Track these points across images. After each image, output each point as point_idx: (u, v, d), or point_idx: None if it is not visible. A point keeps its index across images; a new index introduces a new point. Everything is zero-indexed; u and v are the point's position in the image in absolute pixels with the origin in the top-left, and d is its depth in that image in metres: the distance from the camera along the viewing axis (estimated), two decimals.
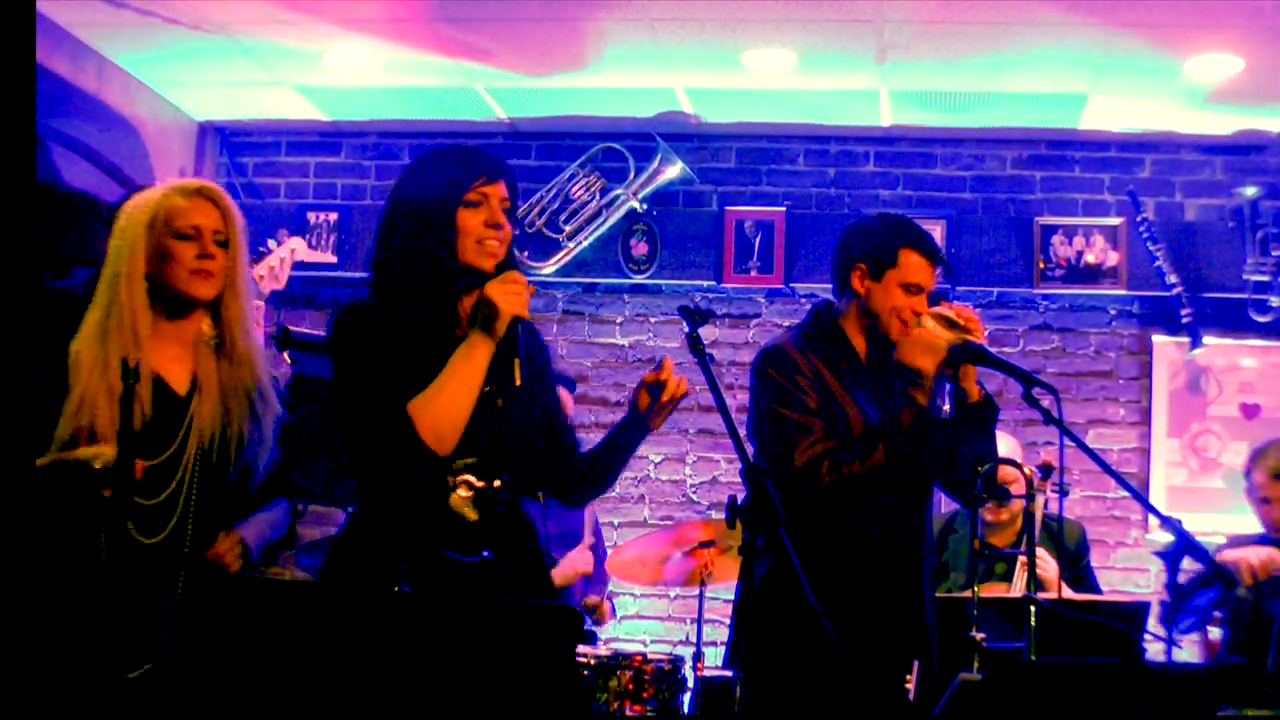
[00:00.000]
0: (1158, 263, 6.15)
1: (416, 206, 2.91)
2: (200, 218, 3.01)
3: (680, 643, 6.15)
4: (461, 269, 2.90)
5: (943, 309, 3.53)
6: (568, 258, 6.48)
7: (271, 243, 5.14)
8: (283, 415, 3.12)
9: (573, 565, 5.31)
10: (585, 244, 6.49)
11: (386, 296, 2.92)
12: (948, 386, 3.59)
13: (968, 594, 3.66)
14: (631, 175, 6.49)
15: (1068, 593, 4.81)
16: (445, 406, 2.79)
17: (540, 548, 3.08)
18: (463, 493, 2.86)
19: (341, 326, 2.89)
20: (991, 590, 4.56)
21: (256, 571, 3.10)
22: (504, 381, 2.87)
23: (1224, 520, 5.74)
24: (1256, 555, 4.77)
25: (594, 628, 5.33)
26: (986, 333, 3.66)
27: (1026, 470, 3.92)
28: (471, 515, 2.87)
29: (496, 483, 2.89)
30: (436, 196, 2.90)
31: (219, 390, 3.02)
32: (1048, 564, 4.53)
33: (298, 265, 6.40)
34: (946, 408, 3.62)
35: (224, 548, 2.99)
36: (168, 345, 3.02)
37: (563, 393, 5.34)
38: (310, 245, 6.58)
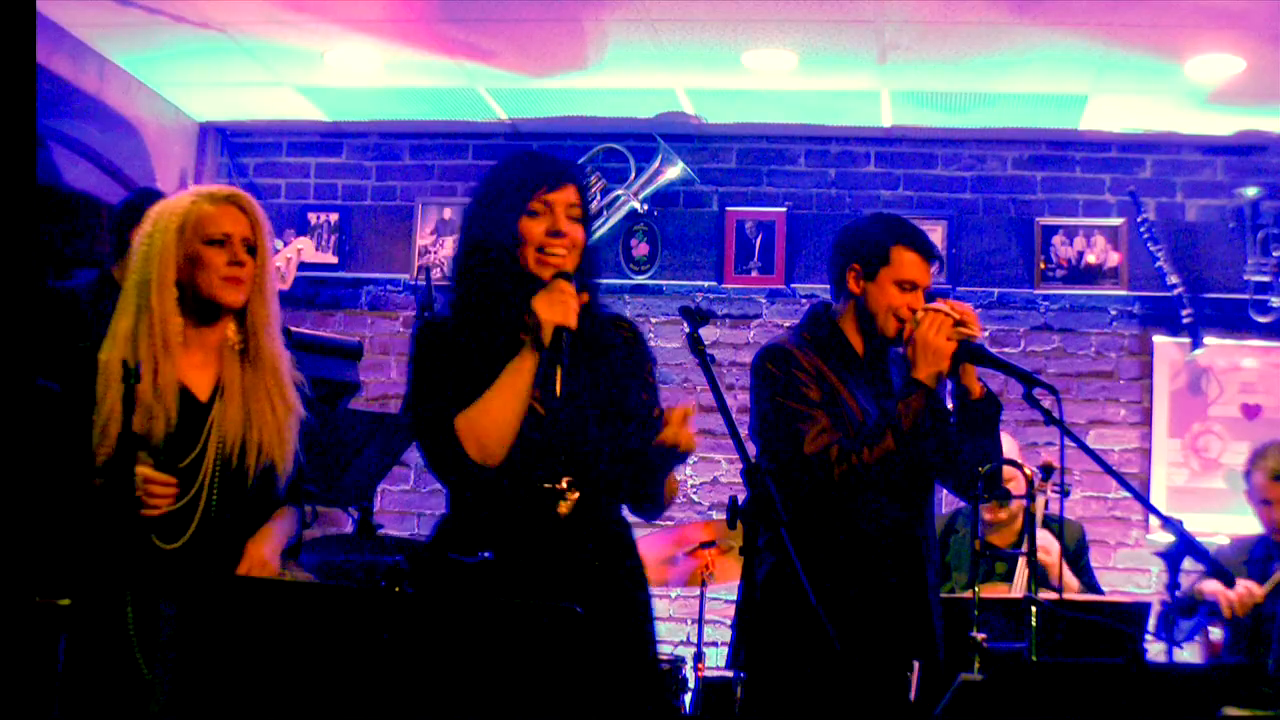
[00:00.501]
0: (1158, 263, 6.15)
1: (483, 217, 2.94)
2: (230, 224, 3.03)
3: (681, 643, 6.15)
4: (526, 279, 2.90)
5: (939, 304, 3.52)
6: None
7: (278, 243, 5.15)
8: (307, 419, 3.12)
9: None
10: None
11: (460, 308, 2.95)
12: (949, 384, 3.58)
13: (969, 594, 3.66)
14: (632, 176, 6.49)
15: (1070, 580, 4.81)
16: (489, 419, 2.80)
17: (632, 558, 3.00)
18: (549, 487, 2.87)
19: (415, 342, 2.94)
20: (993, 590, 4.55)
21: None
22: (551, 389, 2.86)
23: (1225, 520, 5.74)
24: (1235, 592, 4.78)
25: None
26: (986, 333, 3.66)
27: (1027, 470, 3.92)
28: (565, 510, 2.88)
29: (569, 482, 2.88)
30: (500, 207, 2.93)
31: (242, 396, 3.02)
32: (1050, 549, 4.51)
33: (301, 266, 6.42)
34: (950, 406, 3.62)
35: (247, 569, 2.97)
36: (193, 352, 3.03)
37: None
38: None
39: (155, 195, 4.91)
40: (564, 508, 2.87)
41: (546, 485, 2.86)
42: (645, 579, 3.04)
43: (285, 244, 5.31)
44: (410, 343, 2.97)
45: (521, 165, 3.01)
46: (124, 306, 3.01)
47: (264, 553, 3.00)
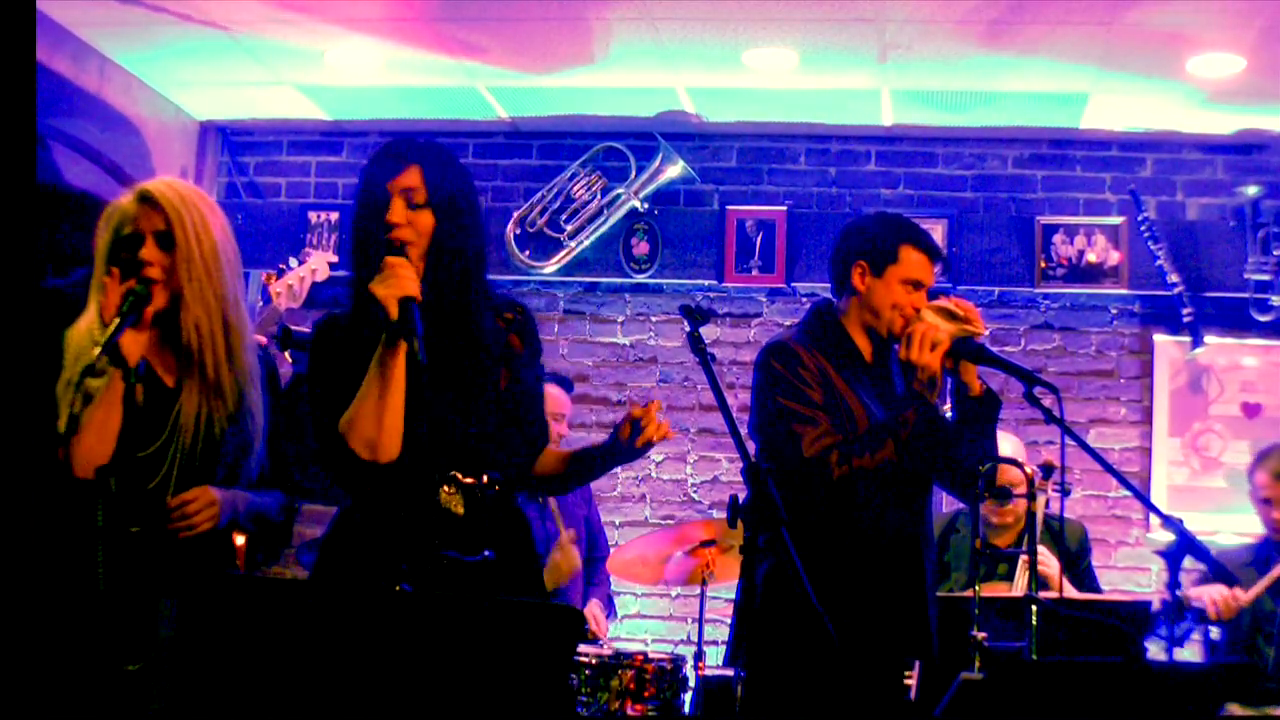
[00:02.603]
0: (1159, 262, 6.15)
1: (356, 213, 2.92)
2: (142, 221, 2.99)
3: (681, 642, 6.15)
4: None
5: (942, 301, 3.53)
6: (569, 257, 6.48)
7: (293, 260, 5.12)
8: (266, 423, 3.10)
9: (558, 567, 5.18)
10: (586, 243, 6.49)
11: (354, 302, 2.92)
12: (949, 383, 3.58)
13: (969, 593, 3.66)
14: (633, 174, 6.49)
15: (1070, 591, 4.81)
16: (367, 416, 2.78)
17: (533, 544, 3.06)
18: (448, 489, 2.85)
19: (310, 340, 2.94)
20: (993, 590, 4.55)
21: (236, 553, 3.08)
22: (439, 372, 2.82)
23: (1225, 519, 5.74)
24: (1219, 593, 4.79)
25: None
26: (987, 331, 3.66)
27: (1028, 470, 3.92)
28: (459, 510, 2.86)
29: (485, 478, 2.88)
30: (364, 201, 2.90)
31: (202, 391, 3.01)
32: (1050, 562, 4.53)
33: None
34: (947, 408, 3.62)
35: (193, 497, 2.94)
36: (151, 339, 3.00)
37: (559, 392, 5.34)
38: (311, 244, 6.58)
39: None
40: (458, 508, 2.86)
41: (447, 491, 2.85)
42: (540, 569, 3.08)
43: (301, 261, 5.25)
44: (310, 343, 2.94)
45: (380, 152, 2.95)
46: (89, 300, 3.02)
47: (212, 492, 2.96)
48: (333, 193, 6.83)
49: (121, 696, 2.83)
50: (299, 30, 5.60)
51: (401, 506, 2.83)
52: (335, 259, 6.43)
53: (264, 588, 2.54)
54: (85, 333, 2.95)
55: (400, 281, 2.76)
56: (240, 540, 3.12)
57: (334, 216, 6.69)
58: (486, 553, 2.86)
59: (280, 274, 4.88)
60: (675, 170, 6.43)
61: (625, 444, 2.97)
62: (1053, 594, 3.95)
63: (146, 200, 3.01)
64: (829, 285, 3.73)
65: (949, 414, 3.61)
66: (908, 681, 3.73)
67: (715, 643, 5.50)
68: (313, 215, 6.71)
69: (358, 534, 2.89)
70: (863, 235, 3.64)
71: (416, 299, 2.76)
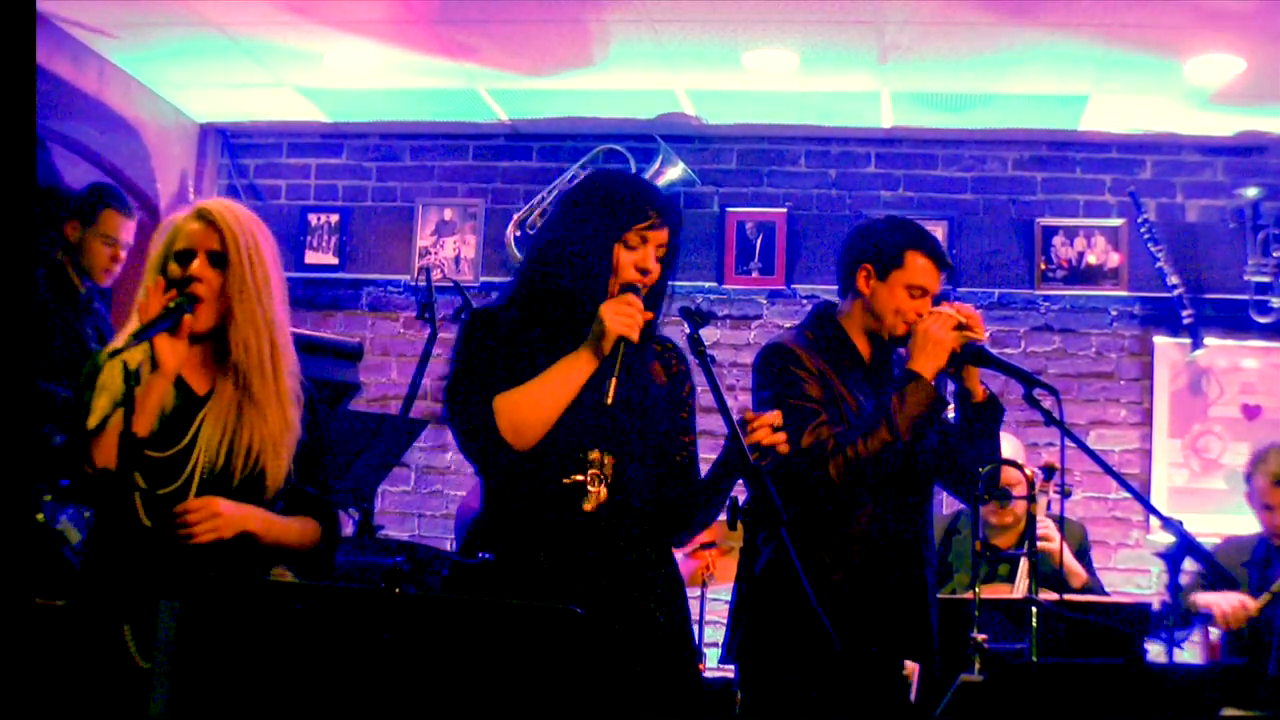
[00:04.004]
0: (1159, 264, 6.15)
1: (578, 230, 2.92)
2: (195, 239, 2.99)
3: None
4: (600, 299, 2.89)
5: (944, 307, 3.52)
6: None
7: None
8: (303, 437, 3.09)
9: None
10: None
11: (521, 303, 2.93)
12: (951, 387, 3.58)
13: (970, 595, 3.65)
14: None
15: (1075, 566, 4.81)
16: (528, 404, 2.80)
17: (668, 571, 2.98)
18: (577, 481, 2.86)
19: (465, 327, 2.94)
20: (995, 591, 4.55)
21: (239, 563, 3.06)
22: (613, 396, 2.85)
23: (1225, 521, 5.73)
24: (1228, 603, 4.78)
25: None
26: (988, 333, 3.65)
27: (1028, 471, 3.92)
28: (588, 507, 2.85)
29: (584, 478, 2.86)
30: (597, 228, 2.91)
31: (235, 400, 3.01)
32: (1051, 536, 4.49)
33: (301, 267, 6.40)
34: (950, 411, 3.61)
35: (197, 505, 2.91)
36: (195, 354, 3.01)
37: None
38: (311, 247, 6.62)
39: (107, 190, 4.95)
40: (589, 505, 2.85)
41: (566, 481, 2.84)
42: (682, 582, 3.02)
43: None
44: (458, 329, 2.97)
45: (629, 191, 2.97)
46: (133, 312, 3.02)
47: (217, 503, 2.93)
48: (332, 195, 6.83)
49: (128, 694, 2.83)
50: (299, 32, 5.60)
51: (534, 505, 2.84)
52: (335, 260, 6.46)
53: (264, 588, 2.54)
54: (124, 342, 2.95)
55: (631, 322, 2.85)
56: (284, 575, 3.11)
57: (334, 218, 6.69)
58: (485, 555, 2.85)
59: None
60: (675, 172, 6.43)
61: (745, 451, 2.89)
62: (1053, 595, 3.94)
63: (203, 218, 3.02)
64: (830, 287, 3.73)
65: (952, 417, 3.61)
66: (906, 671, 3.73)
67: (715, 644, 5.49)
68: (312, 217, 6.72)
69: (491, 537, 2.88)
70: (870, 238, 3.63)
71: (634, 343, 2.87)
